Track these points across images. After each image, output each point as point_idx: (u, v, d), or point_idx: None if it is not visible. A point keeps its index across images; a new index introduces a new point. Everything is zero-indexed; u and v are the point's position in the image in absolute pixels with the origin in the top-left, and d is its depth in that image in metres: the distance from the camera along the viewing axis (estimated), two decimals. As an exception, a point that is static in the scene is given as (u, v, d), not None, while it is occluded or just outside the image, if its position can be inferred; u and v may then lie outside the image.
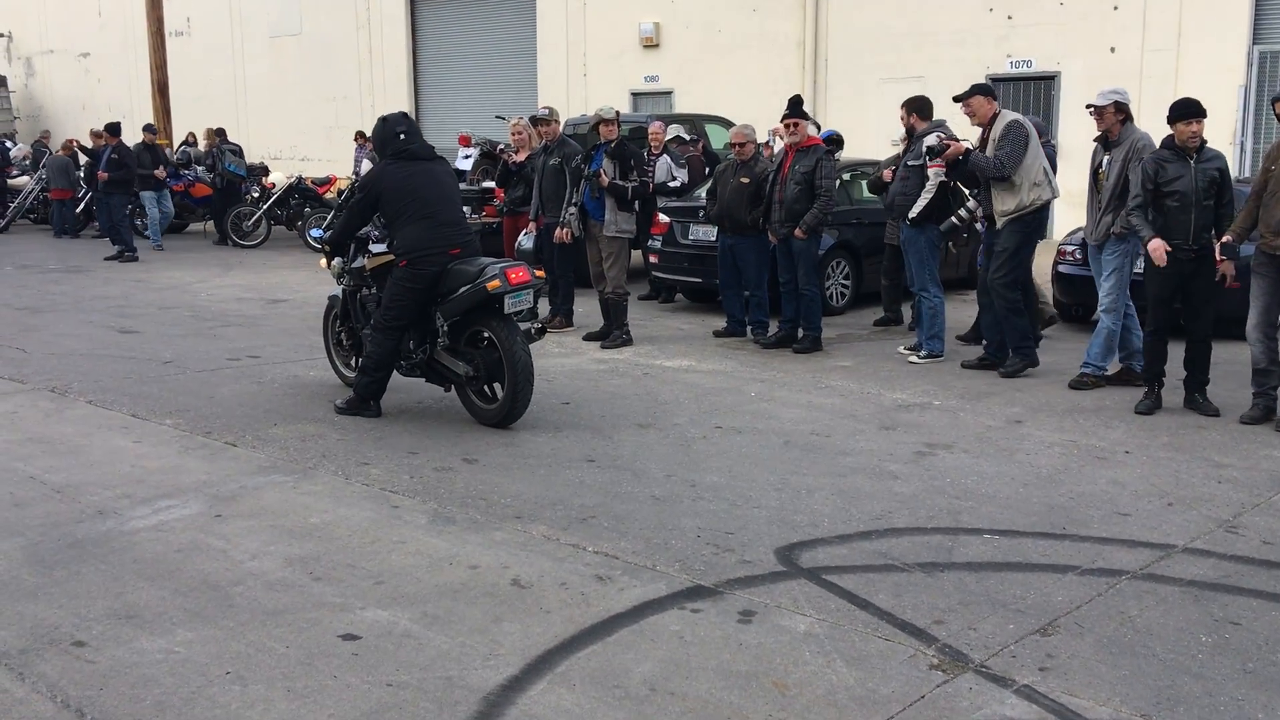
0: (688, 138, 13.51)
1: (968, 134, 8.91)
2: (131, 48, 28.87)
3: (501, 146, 12.83)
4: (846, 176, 11.19)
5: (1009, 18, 16.84)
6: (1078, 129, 15.88)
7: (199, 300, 12.21)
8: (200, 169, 19.18)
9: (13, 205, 20.41)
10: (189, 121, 23.28)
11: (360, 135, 20.92)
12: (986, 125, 8.16)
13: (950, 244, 9.61)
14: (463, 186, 12.16)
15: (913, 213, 8.68)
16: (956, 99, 8.43)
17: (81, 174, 18.88)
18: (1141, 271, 7.40)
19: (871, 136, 16.94)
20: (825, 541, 4.91)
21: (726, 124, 15.32)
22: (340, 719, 3.41)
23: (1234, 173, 12.05)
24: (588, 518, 5.20)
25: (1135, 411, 7.16)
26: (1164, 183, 7.02)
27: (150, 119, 21.32)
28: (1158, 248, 6.99)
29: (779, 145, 12.13)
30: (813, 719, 3.42)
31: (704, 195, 10.60)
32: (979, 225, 8.85)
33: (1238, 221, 6.99)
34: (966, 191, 8.81)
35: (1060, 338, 9.84)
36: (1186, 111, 7.00)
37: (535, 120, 10.93)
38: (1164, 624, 4.06)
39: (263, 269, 15.07)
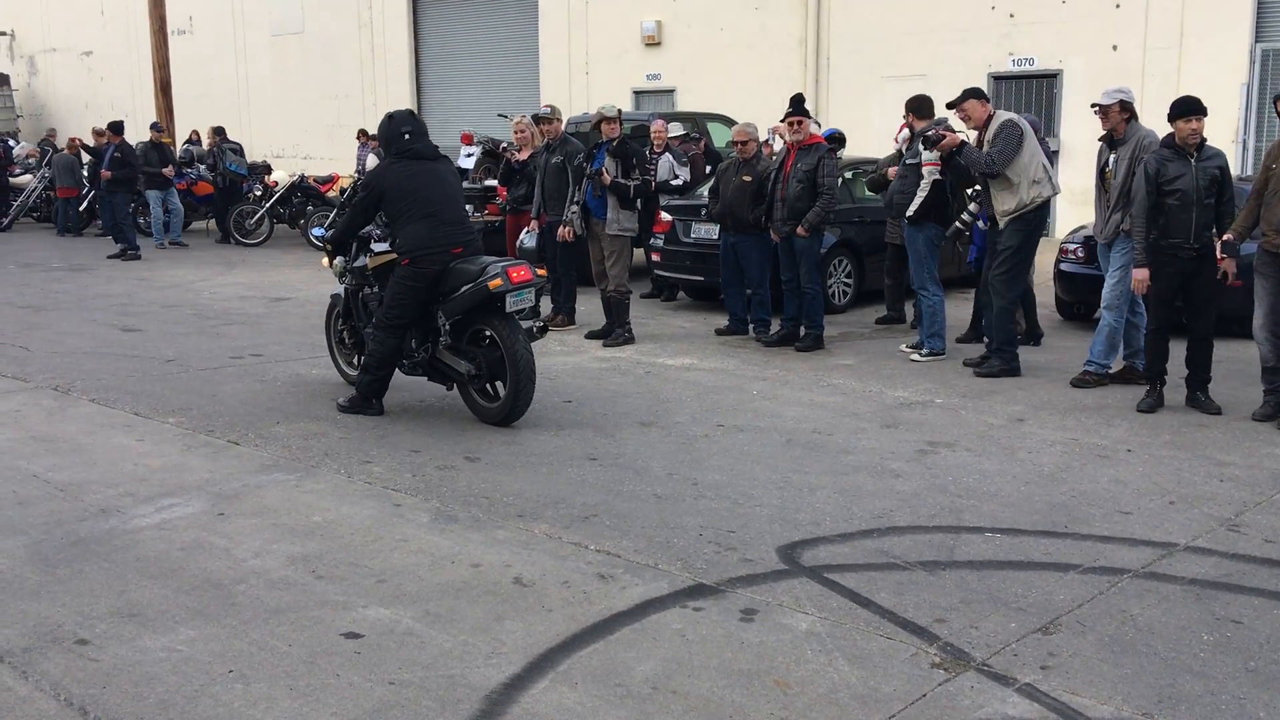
0: (683, 130, 13.52)
1: (970, 136, 8.91)
2: (134, 46, 28.89)
3: (504, 145, 12.82)
4: (848, 175, 11.19)
5: (1011, 16, 16.82)
6: (1080, 127, 15.91)
7: (202, 299, 12.22)
8: (202, 167, 19.20)
9: (15, 204, 20.42)
10: (191, 120, 23.29)
11: (363, 133, 20.91)
12: (982, 127, 8.17)
13: (957, 244, 9.62)
14: (465, 185, 12.17)
15: (909, 211, 8.72)
16: (950, 105, 8.47)
17: (85, 172, 18.90)
18: None
19: (873, 135, 16.93)
20: (827, 540, 4.92)
21: (729, 122, 15.32)
22: (343, 717, 3.42)
23: (1236, 171, 12.06)
24: (590, 516, 5.20)
25: (1137, 410, 7.16)
26: (1165, 182, 7.02)
27: (153, 118, 21.33)
28: (1142, 279, 7.14)
29: (779, 144, 12.15)
30: (814, 717, 3.42)
31: (706, 194, 10.60)
32: (981, 224, 8.87)
33: (1239, 220, 6.99)
34: (968, 193, 8.82)
35: (1061, 336, 9.84)
36: (1186, 109, 7.00)
37: (537, 118, 10.93)
38: (1166, 622, 4.07)
39: (265, 267, 15.08)
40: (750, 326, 9.86)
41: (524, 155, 11.19)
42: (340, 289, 7.72)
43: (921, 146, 8.65)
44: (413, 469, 5.94)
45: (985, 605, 4.21)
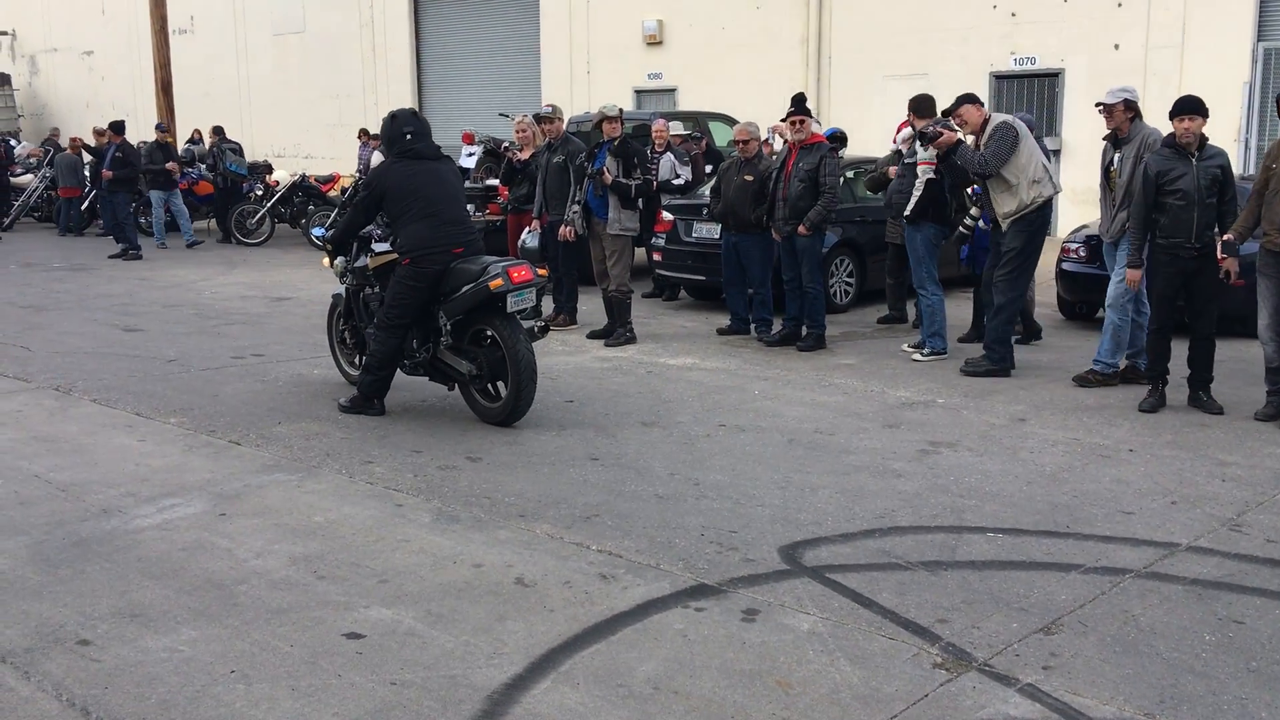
0: (686, 130, 13.53)
1: (968, 141, 8.92)
2: (135, 46, 28.89)
3: (506, 144, 12.83)
4: (850, 174, 11.19)
5: (1013, 14, 16.81)
6: (1081, 126, 15.91)
7: (203, 298, 12.22)
8: (203, 167, 19.21)
9: (17, 203, 20.43)
10: (193, 120, 23.28)
11: (364, 133, 20.91)
12: (979, 131, 8.18)
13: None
14: (467, 184, 12.17)
15: (906, 210, 8.74)
16: (945, 112, 8.49)
17: (88, 173, 18.91)
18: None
19: (875, 134, 16.92)
20: (829, 540, 4.91)
21: (730, 121, 15.31)
22: (345, 718, 3.42)
23: (1238, 170, 12.05)
24: (591, 516, 5.20)
25: (1139, 409, 7.15)
26: (1166, 182, 7.02)
27: (154, 117, 21.34)
28: (1134, 280, 7.30)
29: (778, 143, 12.15)
30: (816, 718, 3.42)
31: (708, 193, 10.60)
32: (983, 225, 8.88)
33: (1240, 221, 6.98)
34: (968, 193, 8.83)
35: (1063, 335, 9.84)
36: (1182, 108, 7.01)
37: (539, 118, 10.94)
38: (1167, 623, 4.06)
39: (266, 267, 15.09)
40: (752, 326, 9.86)
41: (525, 155, 11.19)
42: (342, 289, 7.72)
43: (918, 145, 8.67)
44: (414, 469, 5.94)
45: (987, 605, 4.21)
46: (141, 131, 24.71)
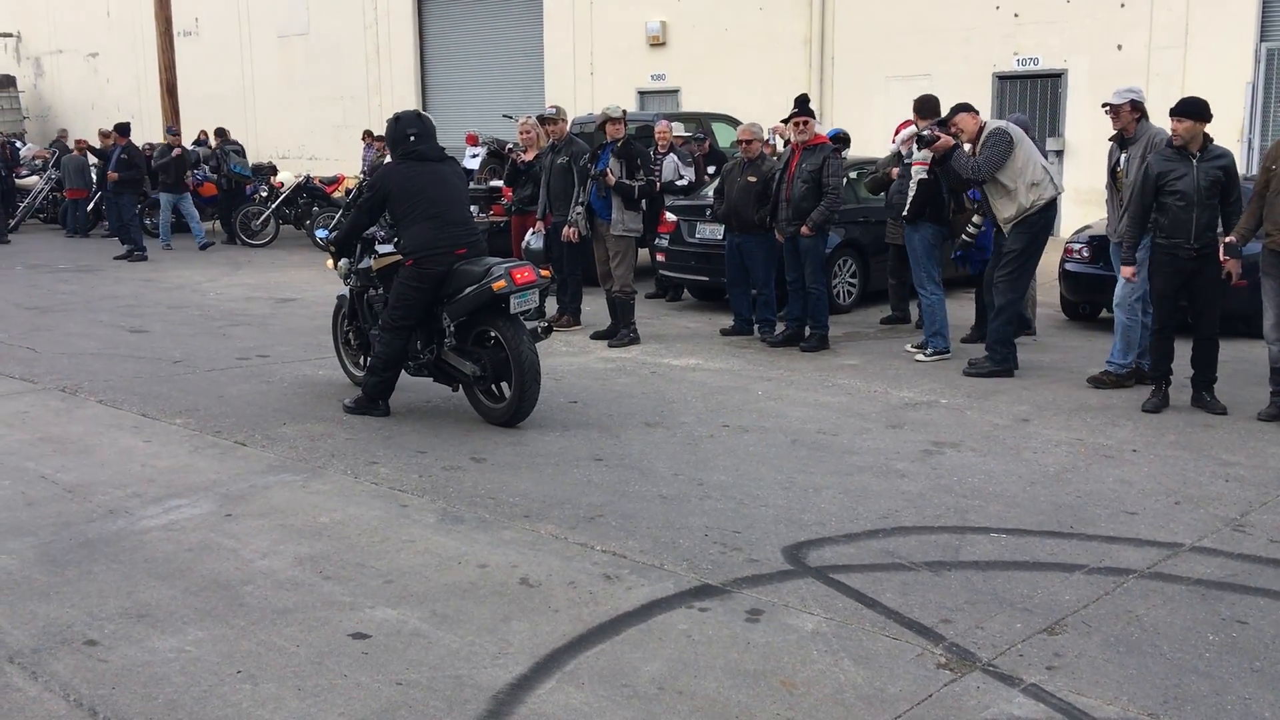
0: (688, 132, 13.55)
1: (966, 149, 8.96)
2: (140, 48, 28.94)
3: (509, 146, 12.85)
4: (853, 175, 11.20)
5: (1016, 15, 16.81)
6: (1084, 127, 15.91)
7: (208, 300, 12.25)
8: (206, 169, 19.25)
9: (22, 205, 20.47)
10: (197, 121, 23.33)
11: (368, 134, 20.96)
12: (975, 139, 8.20)
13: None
14: (470, 186, 12.19)
15: (904, 211, 8.77)
16: (941, 122, 8.53)
17: (95, 175, 18.95)
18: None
19: (877, 134, 16.91)
20: (832, 540, 4.92)
21: (733, 122, 15.32)
22: (350, 717, 3.43)
23: (1241, 170, 12.04)
24: (595, 516, 5.22)
25: (1142, 410, 7.15)
26: (1165, 182, 7.03)
27: (159, 119, 21.39)
28: (1127, 274, 7.49)
29: (779, 143, 12.16)
30: (820, 718, 3.43)
31: (711, 194, 10.61)
32: (982, 229, 8.92)
33: (1241, 222, 6.98)
34: (967, 197, 8.85)
35: (1066, 336, 9.84)
36: (1175, 109, 7.05)
37: (543, 119, 10.95)
38: (1171, 623, 4.07)
39: (271, 268, 15.11)
40: (755, 327, 9.86)
41: (529, 156, 11.21)
42: (346, 290, 7.74)
43: (915, 146, 8.70)
44: (419, 470, 5.95)
45: (991, 606, 4.22)
46: (146, 133, 24.77)
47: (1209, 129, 7.11)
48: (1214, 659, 3.79)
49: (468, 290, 6.66)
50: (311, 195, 18.31)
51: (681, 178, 12.02)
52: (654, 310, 11.45)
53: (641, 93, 21.09)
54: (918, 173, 8.66)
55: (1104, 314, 10.24)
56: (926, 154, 8.57)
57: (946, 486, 5.67)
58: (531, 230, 10.49)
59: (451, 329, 6.82)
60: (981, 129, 8.18)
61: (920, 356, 8.82)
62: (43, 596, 4.33)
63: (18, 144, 23.39)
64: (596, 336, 9.75)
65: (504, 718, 3.44)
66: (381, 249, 7.24)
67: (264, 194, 18.35)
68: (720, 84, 19.53)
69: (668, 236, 11.35)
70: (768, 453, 6.28)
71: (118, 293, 12.76)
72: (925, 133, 8.53)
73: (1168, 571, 4.56)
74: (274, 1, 27.20)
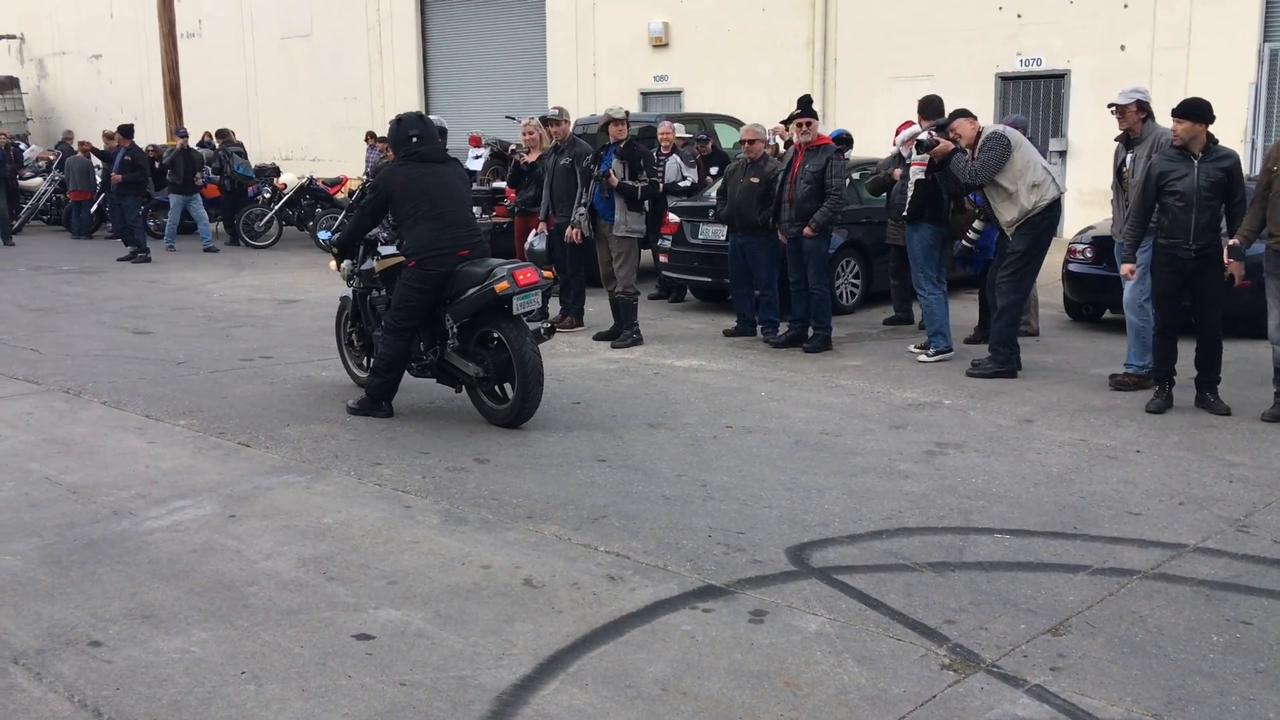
0: (689, 134, 13.55)
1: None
2: (143, 49, 28.96)
3: (512, 147, 12.85)
4: (856, 175, 11.20)
5: (1019, 16, 16.80)
6: (1088, 127, 15.89)
7: (211, 301, 12.26)
8: (209, 170, 19.27)
9: (26, 206, 20.50)
10: (201, 123, 23.35)
11: (371, 135, 20.96)
12: (973, 144, 8.20)
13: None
14: (473, 187, 12.19)
15: (904, 211, 8.79)
16: (939, 128, 8.53)
17: (100, 177, 18.98)
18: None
19: (880, 135, 16.91)
20: (836, 541, 4.92)
21: (736, 123, 15.32)
22: (354, 718, 3.44)
23: (1245, 171, 12.03)
24: (599, 517, 5.22)
25: (1146, 410, 7.15)
26: (1166, 182, 7.03)
27: (162, 121, 21.41)
28: (1125, 271, 7.52)
29: (779, 144, 12.16)
30: (824, 719, 3.43)
31: (714, 195, 10.61)
32: (983, 233, 8.93)
33: (1244, 224, 6.98)
34: (971, 204, 8.86)
35: (1069, 336, 9.83)
36: (1176, 110, 7.04)
37: (545, 120, 10.96)
38: (1175, 624, 4.07)
39: (274, 269, 15.13)
40: (758, 327, 9.87)
41: (532, 157, 11.21)
42: (349, 291, 7.75)
43: (914, 148, 8.71)
44: (422, 471, 5.96)
45: (995, 606, 4.22)
46: (149, 135, 24.79)
47: (1212, 129, 7.10)
48: (1218, 660, 3.79)
49: (470, 291, 6.67)
50: (314, 197, 18.34)
51: (685, 179, 12.03)
52: (657, 311, 11.45)
53: (644, 94, 21.09)
54: (916, 173, 8.67)
55: (1107, 315, 10.25)
56: (924, 155, 8.58)
57: (950, 487, 5.66)
58: (534, 231, 10.50)
59: (454, 330, 6.83)
60: (979, 134, 8.19)
61: (923, 357, 8.82)
62: (47, 597, 4.34)
63: (22, 145, 23.42)
64: (599, 337, 9.75)
65: (508, 719, 3.44)
66: (384, 250, 7.24)
67: (267, 195, 18.38)
68: (722, 85, 19.54)
69: (670, 237, 11.36)
70: (771, 453, 6.28)
71: (121, 294, 12.78)
72: (924, 137, 8.54)
73: (1172, 572, 4.55)
74: (277, 3, 27.21)
